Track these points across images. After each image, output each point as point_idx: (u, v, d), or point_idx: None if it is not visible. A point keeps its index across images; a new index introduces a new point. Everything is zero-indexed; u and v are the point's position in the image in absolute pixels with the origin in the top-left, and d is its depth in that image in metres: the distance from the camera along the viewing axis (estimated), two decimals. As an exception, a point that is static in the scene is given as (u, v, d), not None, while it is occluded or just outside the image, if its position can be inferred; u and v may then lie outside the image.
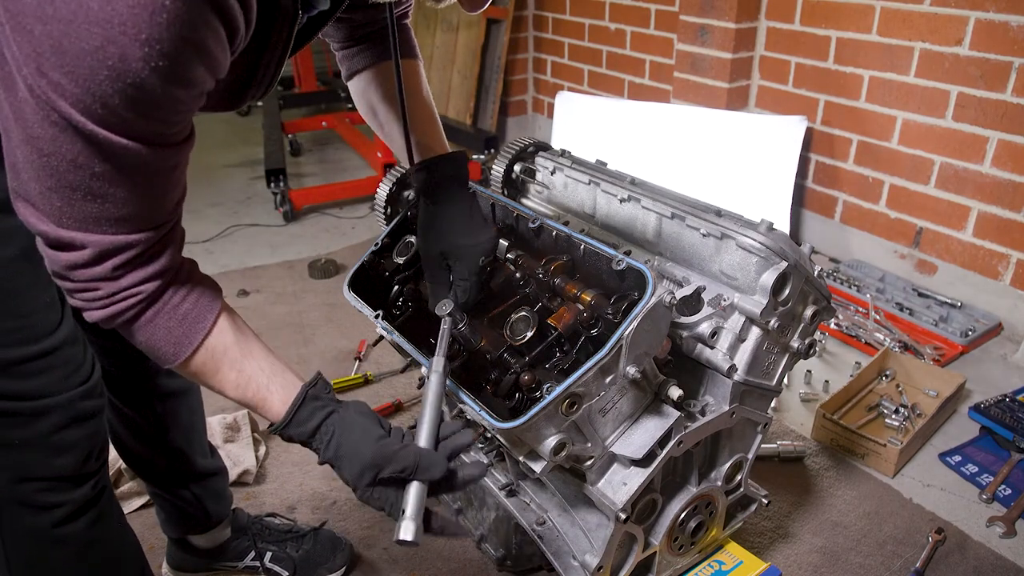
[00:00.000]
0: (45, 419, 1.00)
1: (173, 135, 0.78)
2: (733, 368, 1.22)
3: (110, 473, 1.61)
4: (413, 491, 0.91)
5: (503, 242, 1.37)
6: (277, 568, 1.63)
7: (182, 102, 0.75)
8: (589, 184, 1.47)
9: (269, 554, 1.63)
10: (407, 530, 0.87)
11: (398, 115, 1.28)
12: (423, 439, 0.95)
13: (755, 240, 1.19)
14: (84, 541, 1.10)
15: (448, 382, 1.08)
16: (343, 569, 1.65)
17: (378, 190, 1.53)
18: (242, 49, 0.83)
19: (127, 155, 0.73)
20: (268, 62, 0.90)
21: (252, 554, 1.63)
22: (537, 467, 1.11)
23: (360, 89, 1.35)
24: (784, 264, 1.19)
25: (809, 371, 2.33)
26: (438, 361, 1.04)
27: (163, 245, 0.85)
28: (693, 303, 1.21)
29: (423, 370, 1.23)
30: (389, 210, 1.53)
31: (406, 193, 1.53)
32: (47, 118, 0.69)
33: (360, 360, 2.44)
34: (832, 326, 2.55)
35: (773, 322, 1.25)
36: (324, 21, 1.03)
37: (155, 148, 0.76)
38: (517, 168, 1.63)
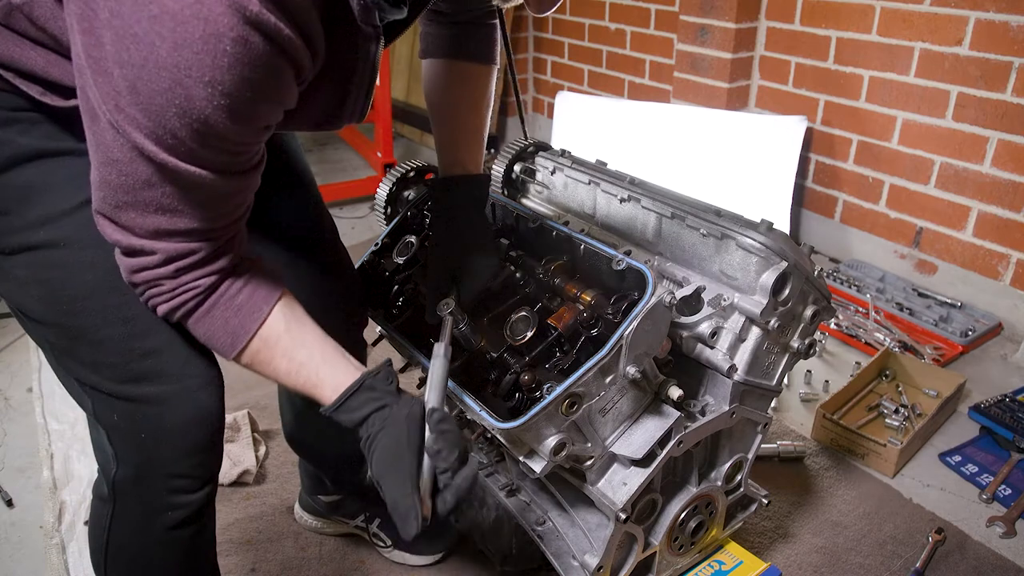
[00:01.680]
0: (168, 409, 1.00)
1: (240, 163, 0.85)
2: (733, 368, 1.22)
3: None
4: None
5: (503, 242, 1.37)
6: (382, 535, 1.68)
7: (246, 135, 0.83)
8: (589, 184, 1.46)
9: (378, 520, 1.69)
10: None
11: (443, 120, 1.33)
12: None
13: (755, 240, 1.19)
14: (186, 549, 1.11)
15: (449, 383, 1.08)
16: (442, 553, 1.67)
17: (378, 190, 1.53)
18: (325, 77, 0.89)
19: (195, 180, 0.81)
20: (359, 87, 0.96)
21: (362, 517, 1.71)
22: (537, 467, 1.11)
23: (426, 75, 1.35)
24: (784, 264, 1.19)
25: (809, 371, 2.33)
26: (441, 346, 1.06)
27: (224, 249, 0.91)
28: (693, 303, 1.21)
29: (423, 371, 1.23)
30: (389, 210, 1.54)
31: (406, 193, 1.54)
32: (124, 145, 0.77)
33: (360, 360, 2.44)
34: (832, 326, 2.55)
35: (773, 322, 1.25)
36: (403, 27, 1.05)
37: (222, 175, 0.83)
38: (517, 168, 1.63)
